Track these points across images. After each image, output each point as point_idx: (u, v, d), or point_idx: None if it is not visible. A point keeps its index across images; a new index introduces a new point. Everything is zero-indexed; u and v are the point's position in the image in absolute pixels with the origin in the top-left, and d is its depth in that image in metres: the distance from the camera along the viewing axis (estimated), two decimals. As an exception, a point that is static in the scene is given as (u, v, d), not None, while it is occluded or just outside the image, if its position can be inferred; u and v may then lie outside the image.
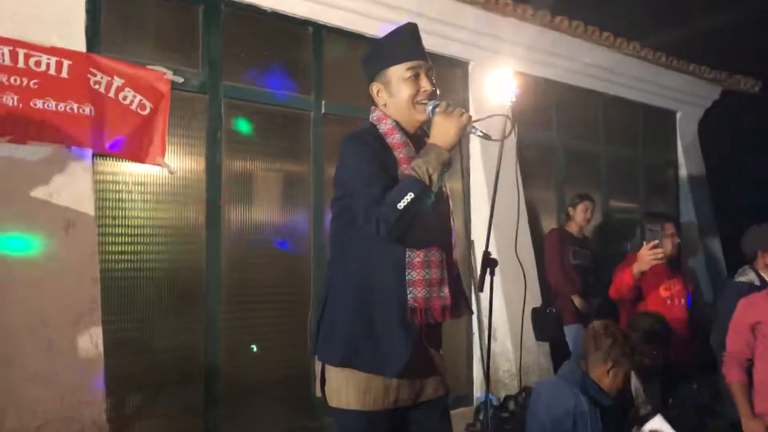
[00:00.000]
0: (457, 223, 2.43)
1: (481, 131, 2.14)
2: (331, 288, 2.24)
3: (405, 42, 2.26)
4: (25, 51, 3.43)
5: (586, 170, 6.86)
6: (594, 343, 3.07)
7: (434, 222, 2.18)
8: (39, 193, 3.37)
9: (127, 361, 3.78)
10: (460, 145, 2.19)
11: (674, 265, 4.34)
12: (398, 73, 2.23)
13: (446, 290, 2.17)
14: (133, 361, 3.83)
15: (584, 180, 6.72)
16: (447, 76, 5.54)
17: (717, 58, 7.64)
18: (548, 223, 6.38)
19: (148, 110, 3.88)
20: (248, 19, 4.43)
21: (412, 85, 2.22)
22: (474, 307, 5.41)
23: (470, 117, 2.12)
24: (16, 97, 3.39)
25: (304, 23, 4.67)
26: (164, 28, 4.11)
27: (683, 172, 8.00)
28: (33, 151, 3.40)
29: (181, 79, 4.04)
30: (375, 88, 2.29)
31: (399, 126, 2.24)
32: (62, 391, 3.31)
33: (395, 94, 2.24)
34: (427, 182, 2.02)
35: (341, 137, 2.28)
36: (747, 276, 3.80)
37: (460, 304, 2.25)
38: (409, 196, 1.98)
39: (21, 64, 3.42)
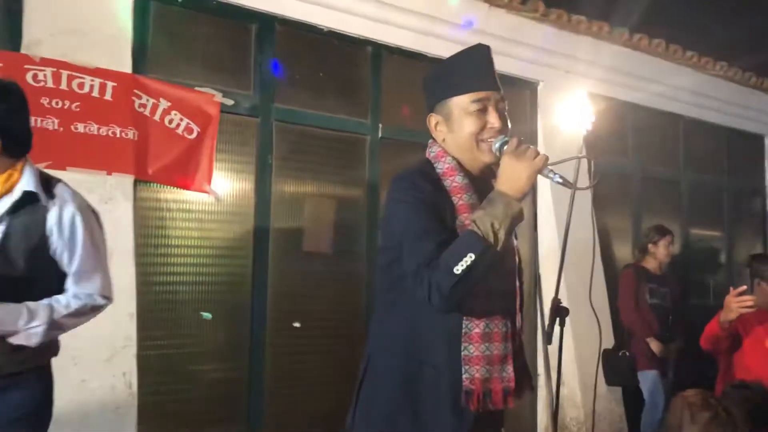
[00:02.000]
0: (522, 255, 2.08)
1: (559, 177, 1.74)
2: (372, 352, 1.91)
3: (473, 68, 1.87)
4: (69, 72, 3.29)
5: (665, 198, 6.37)
6: (689, 415, 2.63)
7: (498, 284, 1.81)
8: (75, 222, 3.19)
9: (165, 399, 3.58)
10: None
11: None
12: (462, 104, 1.85)
13: (510, 369, 1.80)
14: (173, 398, 3.62)
15: (663, 208, 6.24)
16: (513, 98, 5.19)
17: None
18: (622, 253, 5.93)
19: (195, 134, 3.70)
20: (303, 39, 4.21)
21: (477, 120, 1.84)
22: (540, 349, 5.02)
23: (546, 159, 1.72)
24: (57, 121, 3.25)
25: (363, 43, 4.42)
26: (215, 48, 3.92)
27: (772, 202, 7.40)
28: (72, 178, 3.21)
29: (231, 102, 3.84)
30: (433, 120, 1.93)
31: (460, 166, 1.88)
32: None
33: (456, 130, 1.87)
34: (492, 240, 1.64)
35: (399, 163, 1.97)
36: None
37: (523, 384, 1.88)
38: (469, 258, 1.61)
39: (64, 86, 3.28)
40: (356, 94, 4.45)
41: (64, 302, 2.15)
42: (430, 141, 1.97)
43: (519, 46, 4.96)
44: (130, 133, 3.46)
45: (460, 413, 1.76)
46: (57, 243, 2.15)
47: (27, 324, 2.05)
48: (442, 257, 1.66)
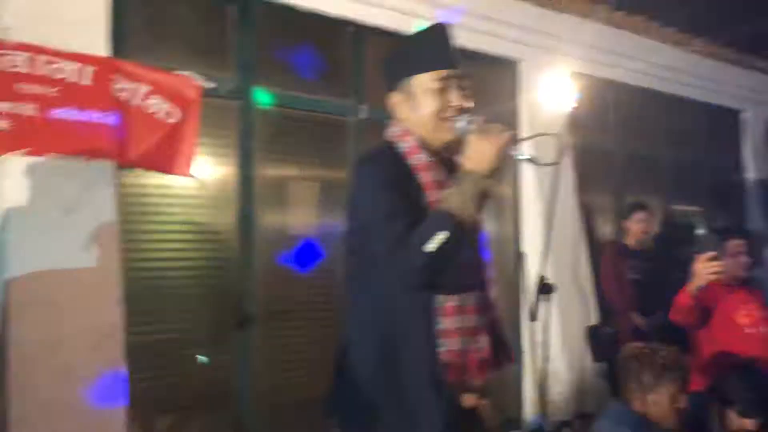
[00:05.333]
0: (504, 234, 2.11)
1: (525, 154, 1.78)
2: (349, 336, 1.91)
3: (434, 46, 1.89)
4: (45, 57, 3.21)
5: (646, 174, 6.42)
6: (626, 372, 2.70)
7: (469, 258, 1.84)
8: (57, 209, 3.15)
9: (153, 384, 3.57)
10: None
11: (752, 287, 3.83)
12: (424, 83, 1.87)
13: (483, 340, 1.84)
14: (161, 384, 3.62)
15: (644, 185, 6.29)
16: (495, 78, 5.18)
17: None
18: (606, 231, 5.97)
19: (176, 118, 3.65)
20: (284, 20, 4.15)
21: (439, 99, 1.86)
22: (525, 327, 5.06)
23: (512, 135, 1.75)
24: (34, 107, 3.17)
25: (344, 23, 4.38)
26: (194, 31, 3.86)
27: (750, 175, 7.48)
28: (51, 165, 3.18)
29: (212, 85, 3.78)
30: (394, 99, 1.95)
31: (424, 144, 1.89)
32: (81, 420, 3.10)
33: (418, 109, 1.89)
34: (462, 218, 1.67)
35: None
36: None
37: (501, 355, 1.92)
38: (440, 237, 1.63)
39: (40, 71, 3.20)
40: (339, 75, 4.42)
41: None
42: (392, 121, 1.97)
43: (500, 24, 4.94)
44: (110, 119, 3.40)
45: (441, 386, 1.77)
46: None
47: None
48: (413, 236, 1.66)
